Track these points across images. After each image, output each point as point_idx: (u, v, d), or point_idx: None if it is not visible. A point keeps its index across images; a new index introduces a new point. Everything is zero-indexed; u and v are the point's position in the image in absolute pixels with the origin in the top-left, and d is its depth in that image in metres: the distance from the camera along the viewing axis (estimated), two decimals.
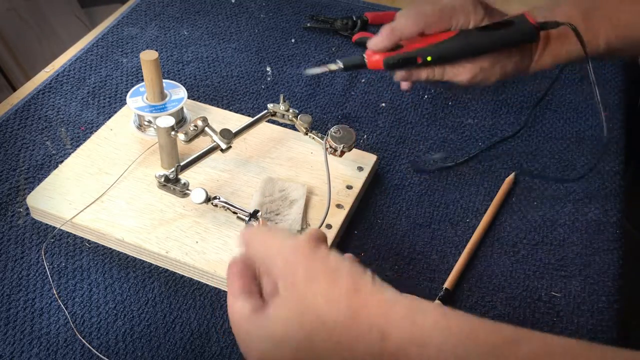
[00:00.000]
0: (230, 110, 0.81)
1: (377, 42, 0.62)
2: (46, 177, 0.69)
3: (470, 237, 0.66)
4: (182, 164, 0.65)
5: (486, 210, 0.69)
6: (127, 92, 0.76)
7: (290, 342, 0.41)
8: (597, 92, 0.65)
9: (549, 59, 0.65)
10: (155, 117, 0.69)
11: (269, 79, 0.88)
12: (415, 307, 0.40)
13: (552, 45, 0.65)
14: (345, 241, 0.66)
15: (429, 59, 0.64)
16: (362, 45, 0.94)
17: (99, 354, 0.56)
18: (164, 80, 0.73)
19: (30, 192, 0.67)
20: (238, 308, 0.44)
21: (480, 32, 0.63)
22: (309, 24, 0.97)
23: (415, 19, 0.61)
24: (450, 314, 0.39)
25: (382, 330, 0.39)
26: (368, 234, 0.67)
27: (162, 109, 0.73)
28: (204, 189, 0.62)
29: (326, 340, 0.40)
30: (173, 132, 0.66)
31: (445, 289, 0.61)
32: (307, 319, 0.40)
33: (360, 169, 0.71)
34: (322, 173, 0.70)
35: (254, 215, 0.56)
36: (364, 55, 0.63)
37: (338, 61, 0.64)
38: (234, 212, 0.62)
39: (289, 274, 0.42)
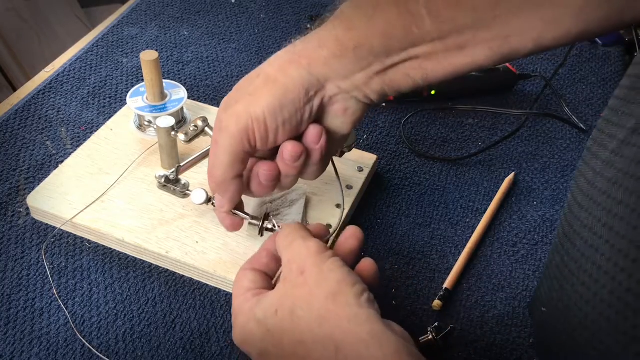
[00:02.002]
0: None
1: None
2: (46, 177, 0.69)
3: (470, 237, 0.66)
4: (182, 164, 0.65)
5: (486, 210, 0.69)
6: (127, 92, 0.76)
7: (263, 327, 0.42)
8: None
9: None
10: (156, 117, 0.69)
11: None
12: (377, 336, 0.39)
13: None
14: None
15: (432, 92, 0.82)
16: None
17: (99, 354, 0.56)
18: (164, 81, 0.73)
19: (30, 192, 0.67)
20: (245, 280, 0.47)
21: (474, 75, 0.83)
22: (309, 25, 0.97)
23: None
24: (404, 357, 0.39)
25: (337, 345, 0.39)
26: (368, 234, 0.67)
27: (162, 109, 0.73)
28: (204, 190, 0.62)
29: (292, 335, 0.41)
30: (173, 132, 0.66)
31: (445, 288, 0.61)
32: (282, 311, 0.42)
33: (360, 169, 0.71)
34: None
35: (266, 217, 0.55)
36: None
37: None
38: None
39: (287, 270, 0.44)
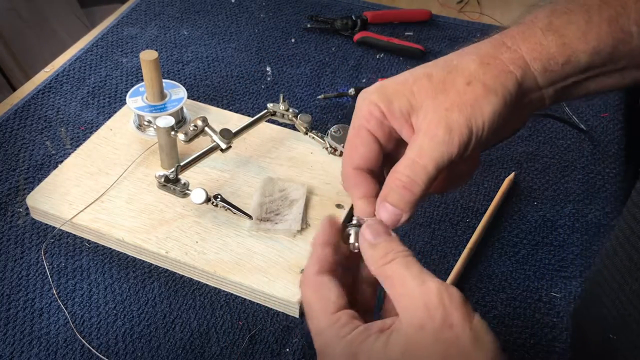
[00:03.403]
0: (230, 110, 0.80)
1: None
2: (46, 177, 0.69)
3: (470, 237, 0.66)
4: (182, 164, 0.65)
5: (486, 210, 0.69)
6: (127, 92, 0.76)
7: None
8: None
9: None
10: (155, 117, 0.69)
11: (269, 79, 0.88)
12: None
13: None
14: None
15: None
16: (364, 44, 0.94)
17: (98, 354, 0.56)
18: (163, 80, 0.73)
19: (30, 192, 0.67)
20: (331, 293, 0.40)
21: None
22: (309, 25, 0.97)
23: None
24: None
25: None
26: None
27: (162, 109, 0.73)
28: (204, 189, 0.62)
29: None
30: (173, 132, 0.66)
31: None
32: None
33: None
34: (322, 173, 0.70)
35: (358, 225, 0.43)
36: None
37: (351, 89, 0.82)
38: (234, 212, 0.62)
39: (424, 314, 0.37)
